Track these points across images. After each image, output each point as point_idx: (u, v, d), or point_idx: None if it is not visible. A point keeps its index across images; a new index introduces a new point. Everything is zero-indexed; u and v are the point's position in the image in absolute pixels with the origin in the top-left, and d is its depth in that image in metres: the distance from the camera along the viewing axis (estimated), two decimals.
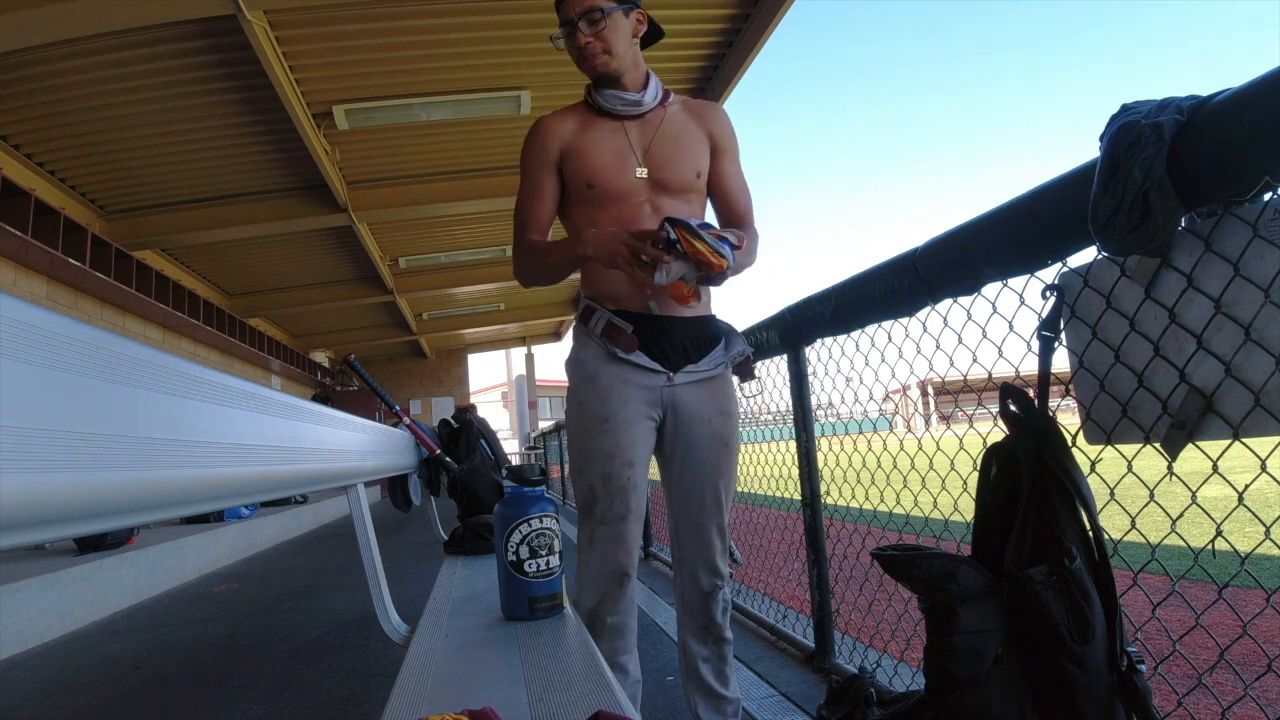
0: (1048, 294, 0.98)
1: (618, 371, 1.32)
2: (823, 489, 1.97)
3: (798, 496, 2.01)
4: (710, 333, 1.40)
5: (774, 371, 2.13)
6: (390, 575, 1.32)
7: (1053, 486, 0.87)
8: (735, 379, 1.48)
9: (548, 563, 1.23)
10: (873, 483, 1.71)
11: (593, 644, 1.07)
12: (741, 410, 2.41)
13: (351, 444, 1.26)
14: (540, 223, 1.38)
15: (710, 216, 1.46)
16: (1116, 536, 0.97)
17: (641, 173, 1.34)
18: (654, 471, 1.46)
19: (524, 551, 1.21)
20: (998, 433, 0.97)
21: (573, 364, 1.39)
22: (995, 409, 0.97)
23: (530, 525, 1.22)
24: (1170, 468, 0.89)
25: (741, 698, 1.47)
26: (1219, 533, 0.90)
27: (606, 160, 1.34)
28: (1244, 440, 0.80)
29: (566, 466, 7.98)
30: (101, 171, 5.01)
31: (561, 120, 1.37)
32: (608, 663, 1.31)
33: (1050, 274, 1.01)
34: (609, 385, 1.32)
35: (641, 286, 1.32)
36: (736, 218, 1.44)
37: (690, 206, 1.38)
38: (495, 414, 23.73)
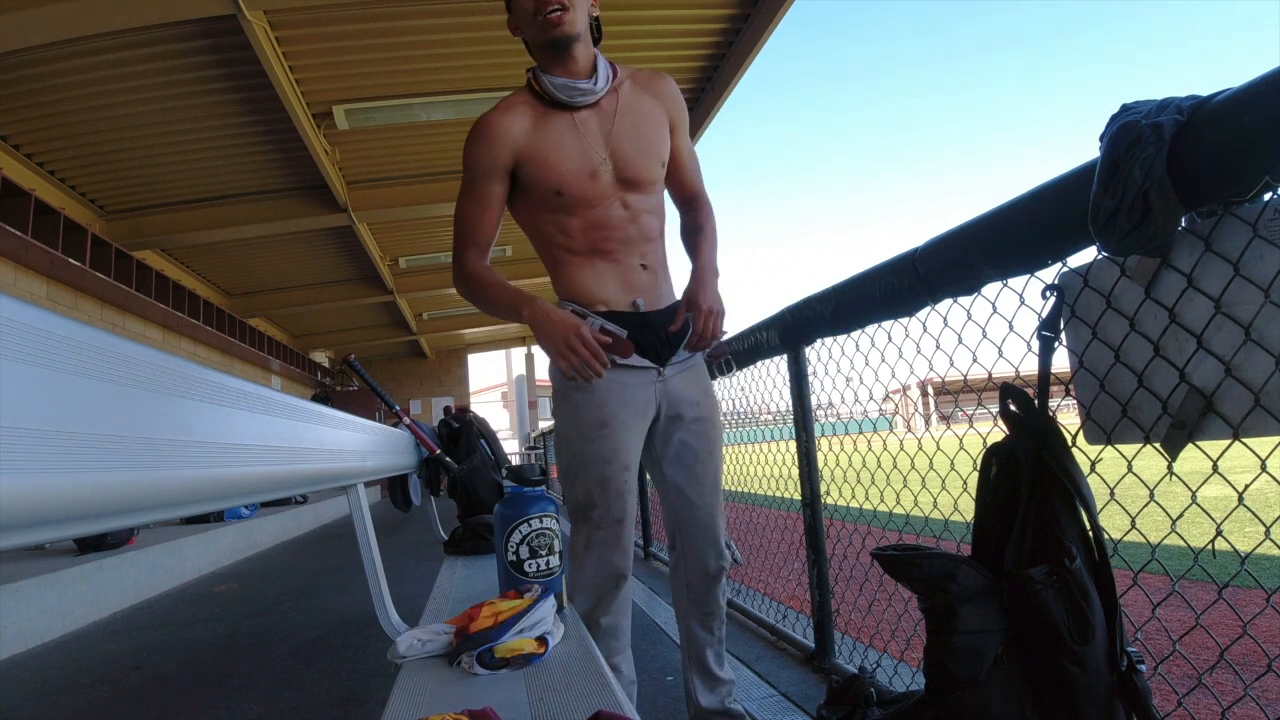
0: (1048, 294, 0.98)
1: (613, 375, 1.28)
2: (823, 489, 1.97)
3: (798, 496, 2.01)
4: (685, 324, 1.35)
5: (774, 371, 2.14)
6: (390, 575, 1.32)
7: (1053, 486, 0.87)
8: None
9: (548, 562, 1.23)
10: (873, 483, 1.71)
11: (593, 644, 1.07)
12: (741, 408, 2.41)
13: (351, 444, 1.26)
14: (484, 237, 1.31)
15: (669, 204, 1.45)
16: (1116, 536, 0.97)
17: (607, 170, 1.27)
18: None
19: (524, 551, 1.22)
20: (998, 433, 0.97)
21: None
22: (995, 409, 0.97)
23: (530, 525, 1.22)
24: (1170, 468, 0.89)
25: (735, 679, 1.50)
26: (1219, 533, 0.90)
27: (572, 163, 1.25)
28: (1244, 440, 0.80)
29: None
30: (101, 171, 5.02)
31: (510, 118, 1.25)
32: None
33: (1050, 274, 1.01)
34: (606, 389, 1.29)
35: (628, 286, 1.31)
36: (692, 193, 1.43)
37: (653, 199, 1.34)
38: (495, 414, 23.73)
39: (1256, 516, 0.87)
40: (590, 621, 1.32)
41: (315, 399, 1.93)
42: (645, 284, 1.33)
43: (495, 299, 1.28)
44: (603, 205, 1.28)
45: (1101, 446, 0.97)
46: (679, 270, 1.43)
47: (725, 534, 1.44)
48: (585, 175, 1.26)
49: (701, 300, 1.27)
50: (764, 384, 2.23)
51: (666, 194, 1.44)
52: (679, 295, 1.38)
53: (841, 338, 1.72)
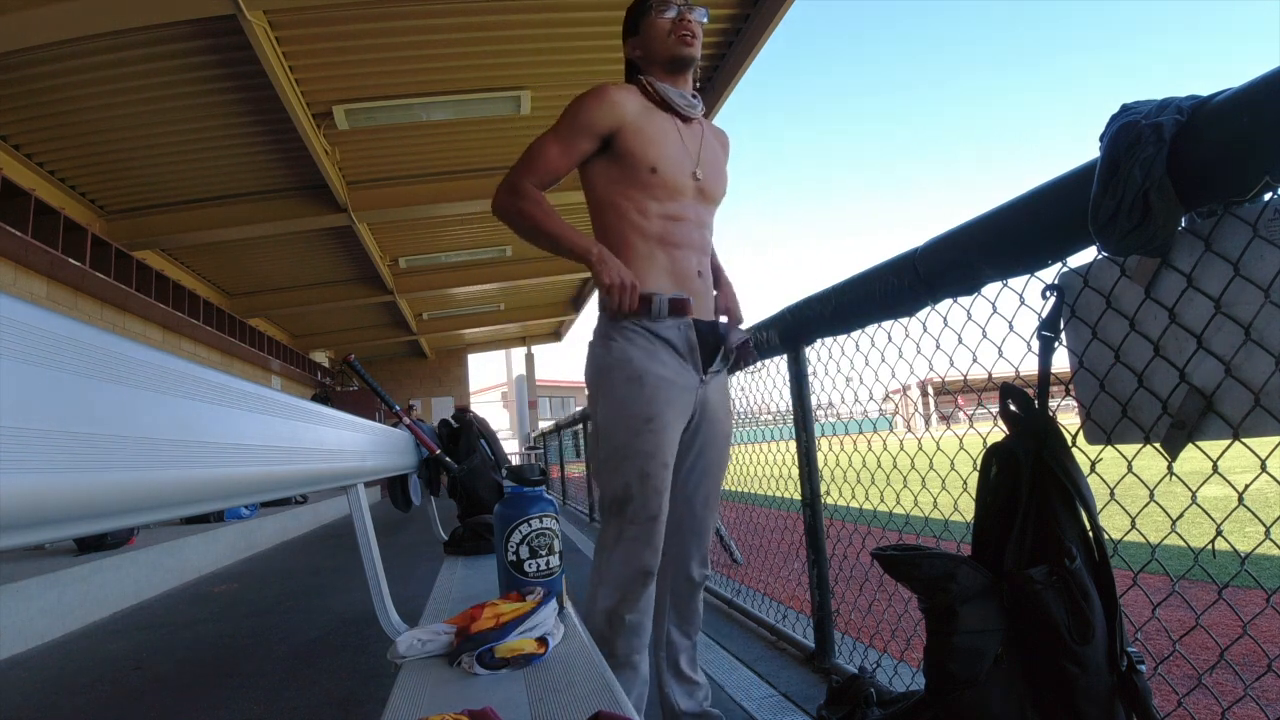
0: (1048, 294, 0.98)
1: (663, 372, 1.33)
2: (823, 489, 1.97)
3: (798, 496, 2.01)
4: (719, 331, 1.45)
5: (774, 371, 2.13)
6: (390, 575, 1.32)
7: (1053, 486, 0.87)
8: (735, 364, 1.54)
9: (548, 563, 1.24)
10: (873, 483, 1.71)
11: (593, 644, 1.07)
12: (741, 408, 2.42)
13: (351, 444, 1.26)
14: (550, 178, 1.35)
15: None
16: (1116, 536, 0.97)
17: (695, 174, 1.39)
18: None
19: (524, 551, 1.23)
20: (998, 433, 0.97)
21: (616, 362, 1.34)
22: (995, 409, 0.97)
23: (530, 525, 1.23)
24: (1170, 468, 0.89)
25: (708, 683, 1.53)
26: (1219, 533, 0.90)
27: (672, 151, 1.36)
28: (1244, 440, 0.80)
29: (579, 464, 7.94)
30: (101, 171, 5.01)
31: (626, 94, 1.36)
32: (622, 661, 1.32)
33: (1050, 274, 1.01)
34: (656, 386, 1.31)
35: (683, 290, 1.38)
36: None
37: (712, 217, 1.46)
38: (495, 414, 23.73)
39: (1256, 516, 0.87)
40: (615, 618, 1.32)
41: (315, 399, 1.93)
42: (698, 291, 1.40)
43: (555, 229, 1.32)
44: (682, 201, 1.38)
45: (1101, 446, 0.97)
46: None
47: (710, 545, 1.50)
48: (679, 165, 1.37)
49: (738, 311, 1.52)
50: (764, 384, 2.23)
51: None
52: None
53: (841, 338, 1.72)
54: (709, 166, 1.41)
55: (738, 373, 2.35)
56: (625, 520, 1.31)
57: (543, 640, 1.02)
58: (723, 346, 1.42)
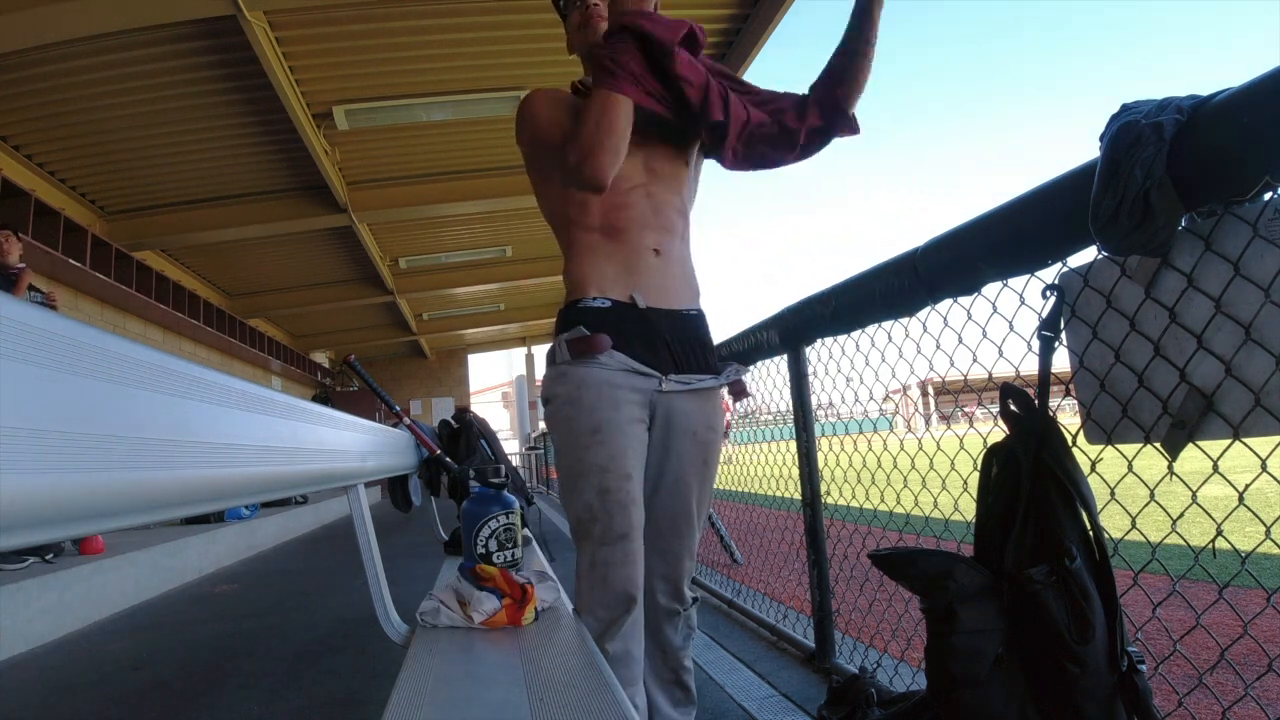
0: (1048, 294, 0.98)
1: (606, 375, 1.20)
2: (823, 489, 1.97)
3: (798, 496, 2.01)
4: (701, 336, 1.29)
5: (774, 371, 2.13)
6: (390, 575, 1.32)
7: (1053, 486, 0.87)
8: (728, 397, 1.39)
9: (513, 554, 1.39)
10: (873, 483, 1.71)
11: (593, 644, 1.07)
12: (741, 408, 2.39)
13: (352, 444, 1.26)
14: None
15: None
16: (1116, 536, 0.97)
17: (636, 155, 1.26)
18: None
19: (493, 544, 1.37)
20: (998, 433, 0.97)
21: (556, 376, 1.25)
22: (996, 409, 0.98)
23: (498, 520, 1.38)
24: (1170, 468, 0.89)
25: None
26: (1219, 533, 0.90)
27: None
28: (1244, 440, 0.80)
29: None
30: (101, 171, 5.02)
31: (555, 99, 1.29)
32: None
33: (1050, 274, 1.01)
34: (598, 392, 1.19)
35: (630, 270, 1.24)
36: None
37: (676, 196, 1.32)
38: (496, 414, 23.75)
39: (1257, 516, 0.87)
40: (599, 648, 1.20)
41: (315, 399, 1.94)
42: (652, 270, 1.25)
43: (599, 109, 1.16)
44: (625, 187, 1.26)
45: (1101, 446, 0.97)
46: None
47: (689, 579, 1.34)
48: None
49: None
50: (764, 384, 2.23)
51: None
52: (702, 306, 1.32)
53: (841, 338, 1.72)
54: (656, 137, 1.28)
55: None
56: (595, 543, 1.19)
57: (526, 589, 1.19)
58: (699, 345, 1.28)
